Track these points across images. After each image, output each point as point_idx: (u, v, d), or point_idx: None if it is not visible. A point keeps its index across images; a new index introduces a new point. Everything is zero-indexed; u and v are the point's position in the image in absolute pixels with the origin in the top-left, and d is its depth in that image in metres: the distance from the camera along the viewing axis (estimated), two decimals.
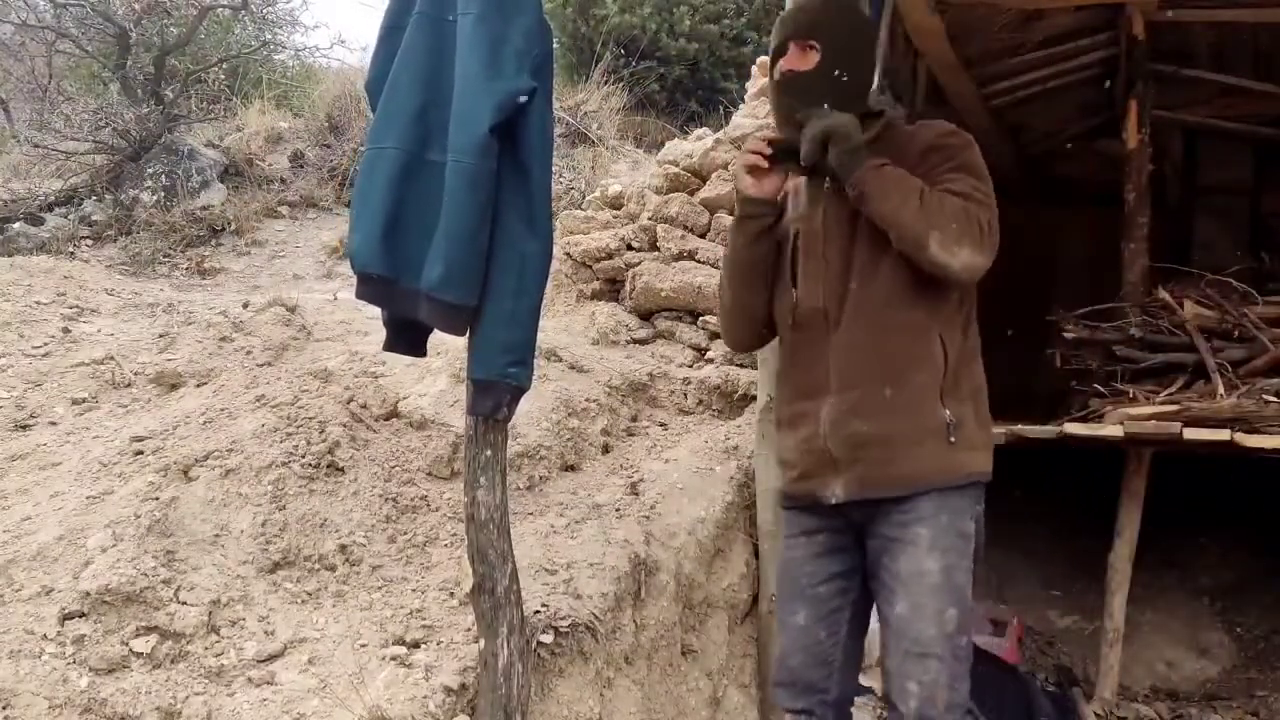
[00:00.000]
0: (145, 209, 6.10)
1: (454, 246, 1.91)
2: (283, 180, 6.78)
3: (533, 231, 1.99)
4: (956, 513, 1.96)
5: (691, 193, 4.35)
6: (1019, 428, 3.71)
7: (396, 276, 1.99)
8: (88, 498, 2.47)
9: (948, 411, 1.97)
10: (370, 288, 2.04)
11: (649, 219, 4.33)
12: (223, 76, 7.44)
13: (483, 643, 2.03)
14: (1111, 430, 3.60)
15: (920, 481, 1.96)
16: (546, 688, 2.27)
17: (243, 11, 7.94)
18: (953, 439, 1.97)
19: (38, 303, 3.66)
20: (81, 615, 2.14)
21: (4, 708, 1.95)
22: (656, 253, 4.27)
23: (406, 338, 2.19)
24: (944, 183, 1.98)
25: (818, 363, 2.03)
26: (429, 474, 2.85)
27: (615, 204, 4.63)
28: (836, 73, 2.03)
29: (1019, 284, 6.66)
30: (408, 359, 3.33)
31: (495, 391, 1.99)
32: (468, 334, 2.01)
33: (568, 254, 4.48)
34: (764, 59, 4.96)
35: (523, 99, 1.90)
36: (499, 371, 1.97)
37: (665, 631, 2.76)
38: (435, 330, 2.08)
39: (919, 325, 1.99)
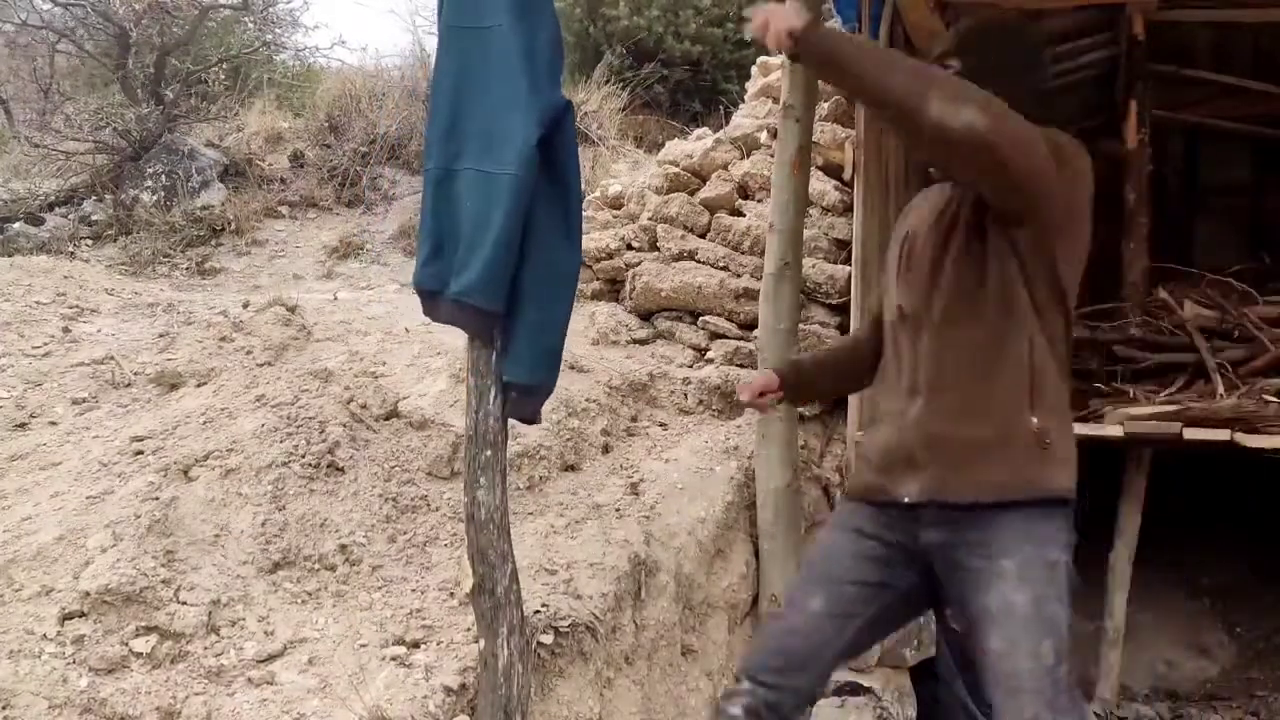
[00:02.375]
0: (145, 209, 6.10)
1: (494, 253, 1.94)
2: (283, 180, 6.78)
3: (570, 243, 2.06)
4: (1041, 542, 1.87)
5: (692, 193, 4.35)
6: None
7: (440, 289, 2.05)
8: (88, 498, 2.47)
9: (1035, 420, 1.88)
10: (427, 304, 2.13)
11: (649, 219, 4.33)
12: (223, 76, 7.43)
13: (483, 643, 2.03)
14: (1111, 430, 3.60)
15: (1004, 490, 1.87)
16: (546, 688, 2.27)
17: (243, 11, 7.94)
18: (1044, 447, 1.88)
19: (38, 303, 3.66)
20: (81, 615, 2.14)
21: (4, 708, 1.95)
22: (656, 253, 4.27)
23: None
24: None
25: (910, 363, 1.99)
26: (429, 474, 2.85)
27: (615, 204, 4.63)
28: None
29: None
30: (406, 359, 3.34)
31: (536, 396, 2.06)
32: (498, 340, 2.04)
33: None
34: (765, 60, 4.96)
35: (559, 111, 1.93)
36: (542, 376, 2.04)
37: (665, 632, 2.76)
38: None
39: (1002, 329, 1.91)
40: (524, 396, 2.04)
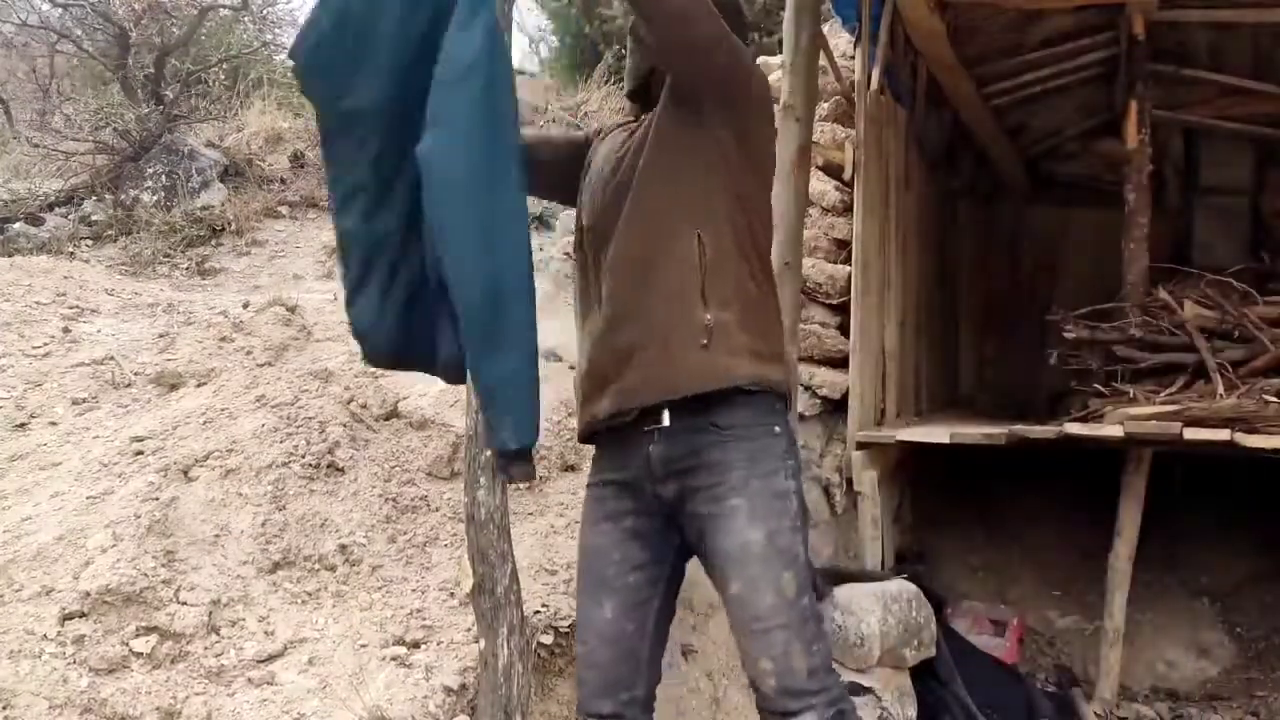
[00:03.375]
0: (145, 209, 6.10)
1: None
2: (283, 180, 6.77)
3: (498, 242, 1.83)
4: (766, 474, 1.86)
5: None
6: (1020, 428, 3.71)
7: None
8: (88, 498, 2.47)
9: (709, 315, 1.84)
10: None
11: None
12: (223, 77, 7.43)
13: (483, 643, 2.02)
14: (1112, 430, 3.60)
15: (673, 386, 1.84)
16: (547, 687, 2.27)
17: (243, 12, 7.93)
18: (705, 342, 1.83)
19: (38, 303, 3.66)
20: (81, 615, 2.14)
21: (4, 708, 1.95)
22: None
23: None
24: None
25: (594, 280, 1.97)
26: (429, 474, 2.85)
27: None
28: None
29: (1019, 284, 6.69)
30: None
31: (527, 457, 1.92)
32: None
33: (567, 254, 4.47)
34: (764, 59, 4.96)
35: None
36: (532, 435, 1.89)
37: None
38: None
39: (673, 225, 1.88)
40: (516, 460, 1.88)
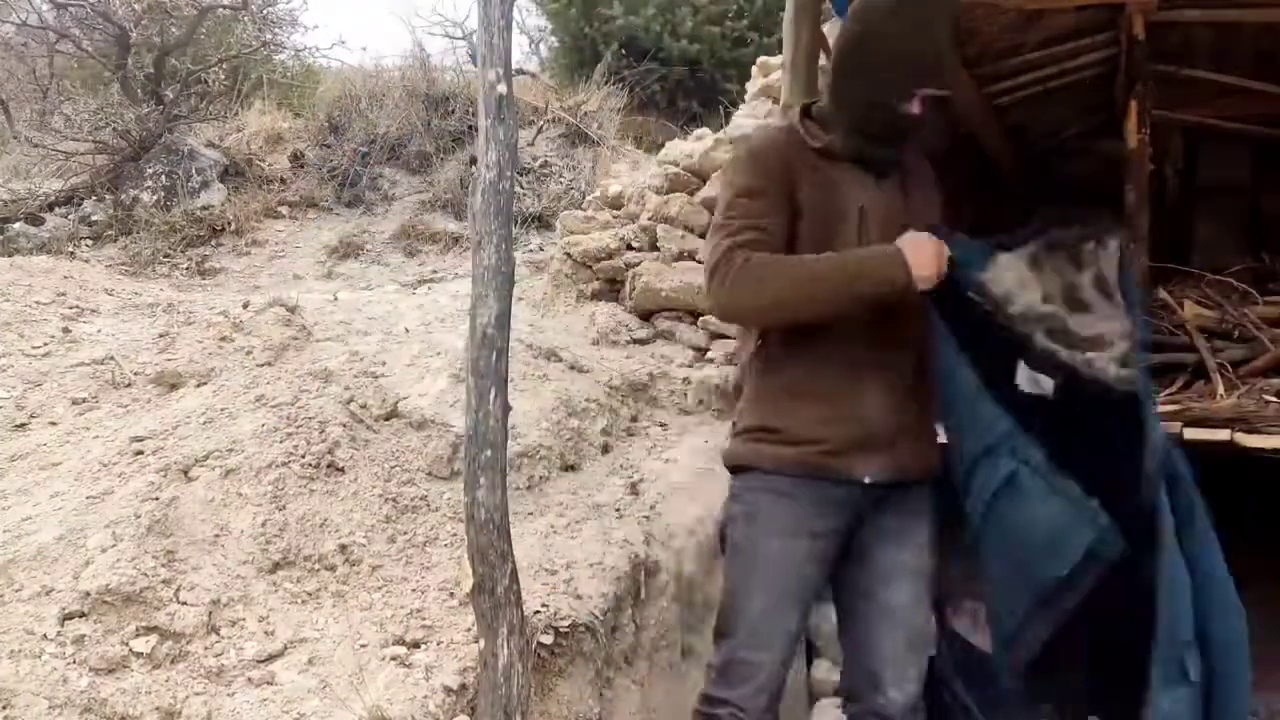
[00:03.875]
0: (145, 209, 6.11)
1: None
2: (283, 180, 6.78)
3: None
4: (934, 519, 2.09)
5: (691, 193, 4.35)
6: None
7: None
8: (88, 498, 2.47)
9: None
10: None
11: (649, 219, 4.33)
12: (223, 77, 7.44)
13: (483, 643, 2.03)
14: None
15: (933, 469, 2.07)
16: (546, 688, 2.27)
17: (243, 12, 7.94)
18: (939, 437, 2.11)
19: (38, 303, 3.66)
20: (81, 615, 2.14)
21: (4, 708, 1.95)
22: (656, 253, 4.27)
23: None
24: None
25: (866, 341, 1.99)
26: (429, 474, 2.85)
27: (615, 204, 4.63)
28: None
29: None
30: (406, 359, 3.34)
31: None
32: None
33: (568, 254, 4.48)
34: (764, 59, 4.96)
35: None
36: None
37: (665, 632, 2.76)
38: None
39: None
40: None
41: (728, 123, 4.70)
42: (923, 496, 2.08)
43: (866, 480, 1.99)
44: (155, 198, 6.21)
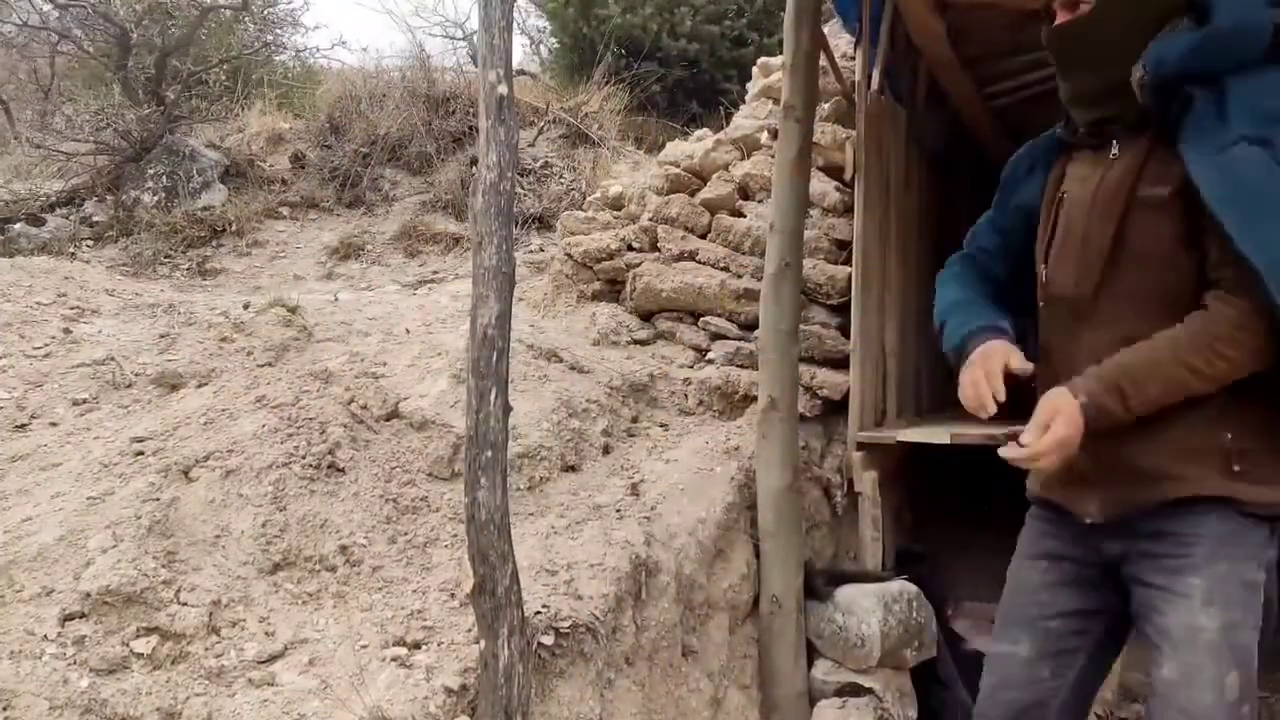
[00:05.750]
0: (146, 210, 6.11)
1: None
2: (284, 181, 6.79)
3: None
4: (1237, 560, 1.66)
5: (692, 193, 4.35)
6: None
7: None
8: (88, 498, 2.47)
9: (1229, 435, 1.68)
10: None
11: (649, 220, 4.33)
12: (224, 77, 7.45)
13: (483, 643, 2.03)
14: None
15: (1191, 492, 1.69)
16: (547, 688, 2.26)
17: (244, 12, 7.94)
18: (1236, 466, 1.67)
19: (38, 303, 3.66)
20: (82, 616, 2.14)
21: (4, 708, 1.95)
22: (657, 253, 4.27)
23: None
24: None
25: (1069, 355, 1.78)
26: (429, 475, 2.85)
27: (616, 205, 4.63)
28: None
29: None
30: (407, 360, 3.34)
31: None
32: None
33: (569, 254, 4.48)
34: (765, 60, 4.96)
35: None
36: None
37: (666, 632, 2.76)
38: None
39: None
40: None
41: (728, 123, 4.70)
42: (1194, 537, 1.68)
43: (1088, 522, 1.77)
44: (156, 198, 6.21)
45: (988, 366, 1.76)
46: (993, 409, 1.73)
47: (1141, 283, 1.72)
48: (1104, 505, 1.76)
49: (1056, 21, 1.75)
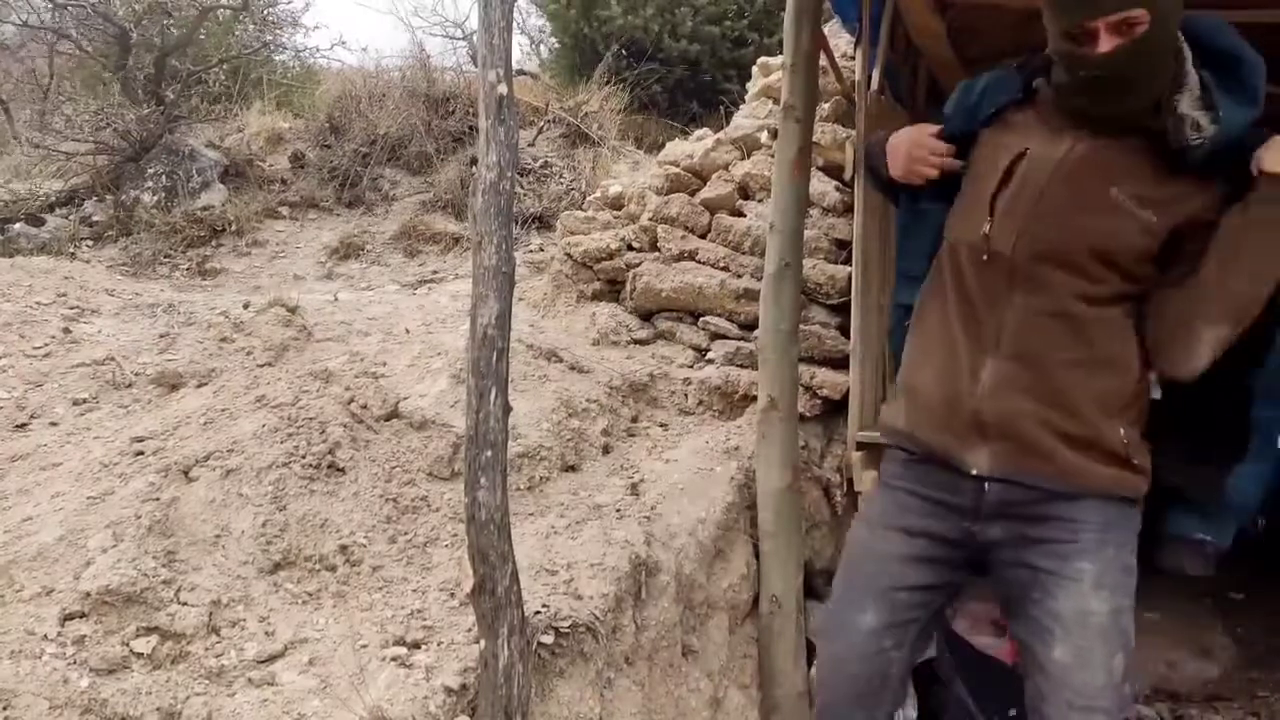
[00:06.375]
0: (146, 209, 6.11)
1: None
2: (283, 181, 6.79)
3: None
4: (1120, 545, 1.73)
5: (692, 193, 4.35)
6: None
7: None
8: (88, 498, 2.47)
9: (1123, 429, 1.74)
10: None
11: (649, 219, 4.33)
12: (223, 77, 7.45)
13: (483, 643, 2.02)
14: None
15: (1084, 486, 1.74)
16: (547, 688, 2.26)
17: (243, 12, 7.94)
18: (1130, 458, 1.74)
19: (38, 303, 3.66)
20: (82, 616, 2.13)
21: (4, 708, 1.94)
22: (657, 253, 4.27)
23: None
24: None
25: (999, 320, 1.76)
26: (429, 474, 2.85)
27: (616, 204, 4.63)
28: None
29: None
30: (407, 359, 3.34)
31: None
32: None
33: (568, 254, 4.48)
34: (765, 60, 4.96)
35: None
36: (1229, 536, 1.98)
37: (666, 632, 2.76)
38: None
39: (1119, 320, 1.75)
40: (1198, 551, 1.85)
41: (728, 123, 4.70)
42: (1083, 524, 1.74)
43: (973, 472, 1.76)
44: (156, 198, 6.21)
45: (916, 135, 1.79)
46: (934, 171, 1.76)
47: (1101, 270, 1.73)
48: (994, 460, 1.75)
49: (1106, 48, 1.65)
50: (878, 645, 1.83)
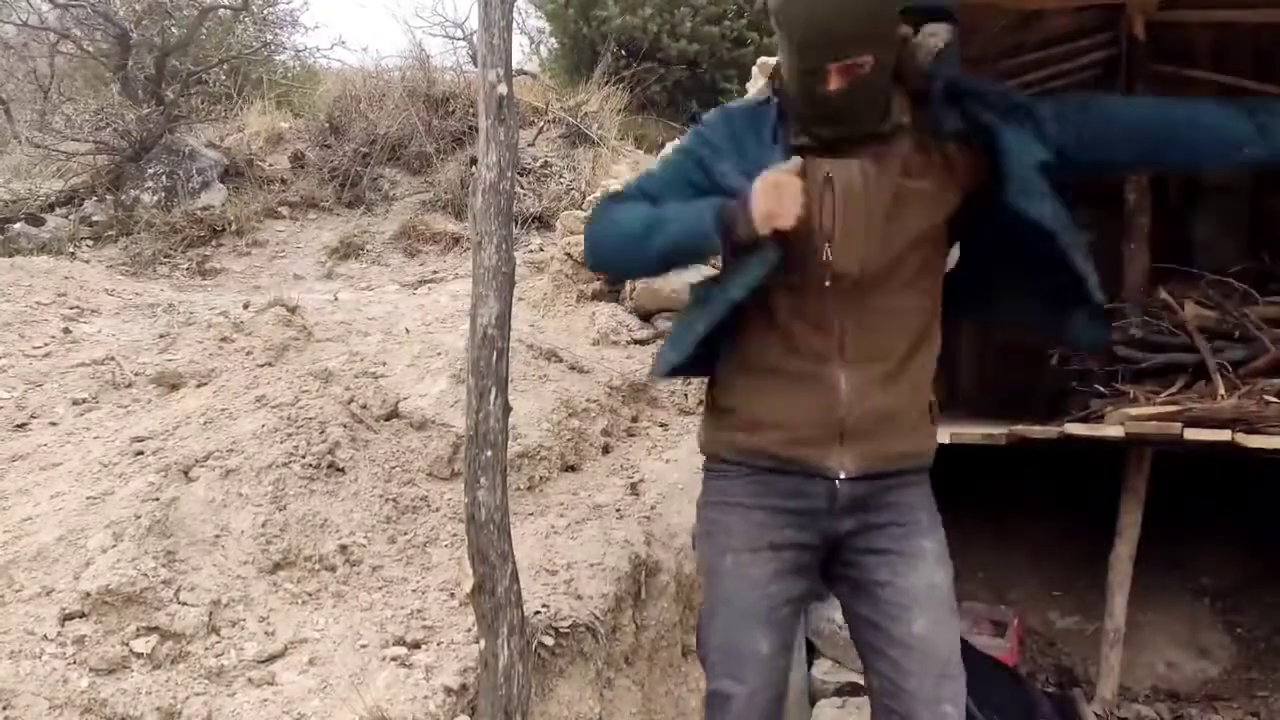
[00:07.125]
0: (146, 209, 6.11)
1: None
2: (283, 181, 6.78)
3: None
4: (939, 523, 1.94)
5: None
6: (1020, 428, 3.70)
7: None
8: (88, 498, 2.47)
9: (932, 398, 1.98)
10: None
11: None
12: (223, 77, 7.45)
13: (483, 643, 2.03)
14: (1112, 431, 3.59)
15: (916, 458, 1.94)
16: (547, 688, 2.26)
17: (243, 12, 7.94)
18: (932, 420, 1.98)
19: (38, 303, 3.66)
20: (82, 615, 2.14)
21: (4, 708, 1.95)
22: None
23: None
24: None
25: (858, 323, 1.86)
26: (429, 474, 2.85)
27: None
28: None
29: None
30: (406, 359, 3.34)
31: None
32: None
33: (568, 254, 4.48)
34: (764, 60, 4.95)
35: None
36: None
37: (665, 632, 2.76)
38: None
39: (928, 306, 1.95)
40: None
41: None
42: (915, 504, 1.92)
43: (841, 476, 1.86)
44: (156, 198, 6.21)
45: (778, 178, 1.79)
46: (792, 221, 1.77)
47: (914, 256, 1.89)
48: (857, 460, 1.87)
49: (835, 85, 1.77)
50: (776, 667, 1.92)
